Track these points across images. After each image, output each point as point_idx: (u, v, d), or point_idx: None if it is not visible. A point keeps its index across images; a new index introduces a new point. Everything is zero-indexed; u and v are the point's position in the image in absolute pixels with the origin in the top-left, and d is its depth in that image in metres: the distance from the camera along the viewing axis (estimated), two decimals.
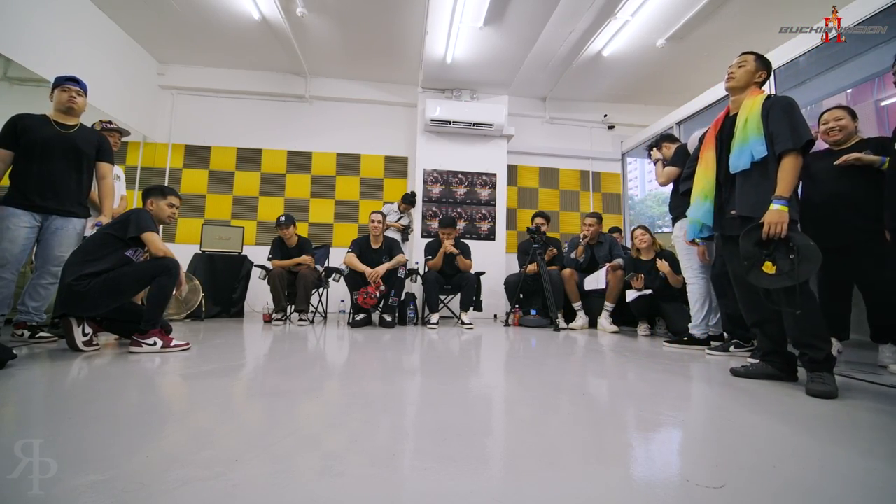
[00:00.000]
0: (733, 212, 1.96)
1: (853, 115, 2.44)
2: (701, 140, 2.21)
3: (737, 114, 2.00)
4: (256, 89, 5.62)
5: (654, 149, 3.12)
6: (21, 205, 2.42)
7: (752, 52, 2.05)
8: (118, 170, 3.25)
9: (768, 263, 1.74)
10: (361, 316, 3.97)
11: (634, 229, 3.79)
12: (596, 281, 4.05)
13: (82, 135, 2.64)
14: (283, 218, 4.22)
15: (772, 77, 3.53)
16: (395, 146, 5.90)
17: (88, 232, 2.71)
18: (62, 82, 2.60)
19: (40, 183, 2.47)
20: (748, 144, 1.86)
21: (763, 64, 2.02)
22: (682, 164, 2.85)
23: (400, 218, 5.11)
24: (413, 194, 5.16)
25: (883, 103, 3.07)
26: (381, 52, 5.09)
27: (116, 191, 3.19)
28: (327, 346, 2.83)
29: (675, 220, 3.01)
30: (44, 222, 2.51)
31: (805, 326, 1.75)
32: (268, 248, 4.40)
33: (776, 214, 1.72)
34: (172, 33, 4.79)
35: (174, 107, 5.52)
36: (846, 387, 1.83)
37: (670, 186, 3.07)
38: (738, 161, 1.90)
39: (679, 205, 2.98)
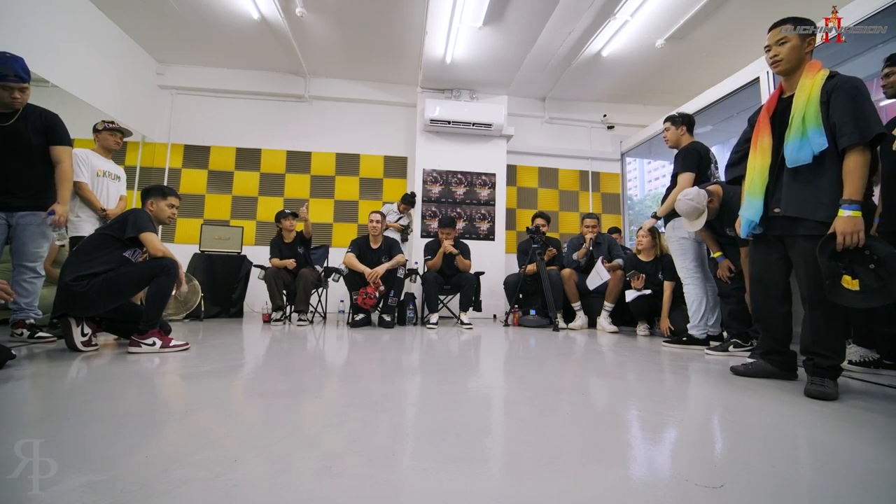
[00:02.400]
0: (777, 210, 1.76)
1: None
2: (751, 122, 1.95)
3: (792, 95, 1.73)
4: (256, 89, 5.62)
5: (672, 124, 3.01)
6: None
7: (788, 20, 1.74)
8: (119, 170, 3.25)
9: (847, 277, 1.53)
10: (361, 316, 3.97)
11: (638, 229, 3.79)
12: (598, 277, 4.04)
13: (25, 123, 2.44)
14: (287, 210, 4.37)
15: (770, 77, 3.53)
16: (395, 146, 5.90)
17: (82, 229, 2.64)
18: (4, 77, 2.31)
19: None
20: (808, 136, 1.61)
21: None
22: (696, 167, 2.82)
23: (399, 218, 5.11)
24: (413, 195, 5.16)
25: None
26: (381, 52, 5.09)
27: (116, 191, 3.18)
28: (326, 347, 2.82)
29: (667, 221, 3.00)
30: (9, 219, 2.46)
31: (823, 338, 1.66)
32: (267, 248, 4.40)
33: (849, 222, 1.50)
34: (171, 33, 4.79)
35: (173, 107, 5.52)
36: (845, 387, 1.83)
37: (668, 186, 3.06)
38: (798, 154, 1.65)
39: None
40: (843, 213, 1.53)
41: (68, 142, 2.63)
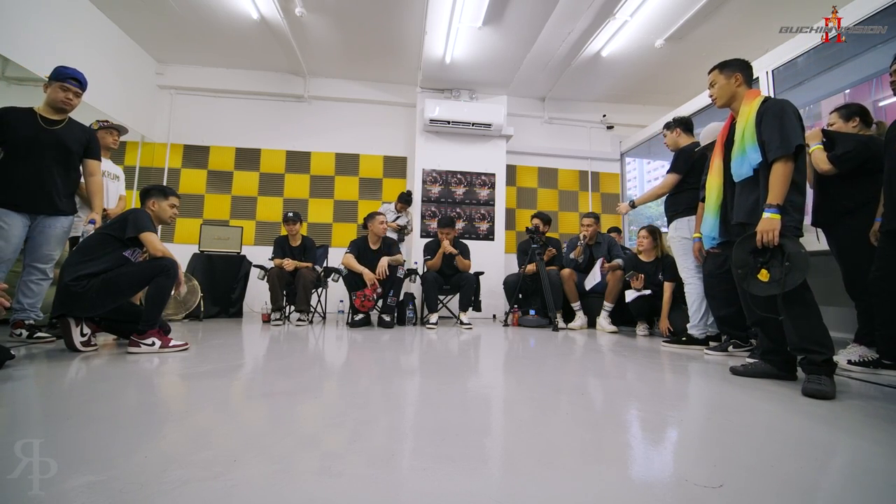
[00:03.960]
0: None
1: None
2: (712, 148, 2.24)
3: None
4: (255, 89, 5.61)
5: (667, 129, 3.13)
6: (10, 206, 2.39)
7: (715, 67, 2.07)
8: (117, 170, 3.25)
9: (763, 271, 1.76)
10: (360, 316, 3.97)
11: (640, 230, 3.79)
12: (593, 279, 4.07)
13: (70, 132, 2.56)
14: (290, 214, 4.28)
15: (770, 77, 3.54)
16: (394, 146, 5.90)
17: (81, 229, 2.69)
18: (65, 78, 2.50)
19: (27, 183, 2.42)
20: (746, 153, 1.88)
21: (732, 68, 2.02)
22: (683, 170, 2.86)
23: (397, 218, 5.10)
24: (409, 193, 5.14)
25: (881, 104, 3.07)
26: (380, 52, 5.08)
27: (115, 191, 3.18)
28: (326, 347, 2.82)
29: (670, 220, 3.01)
30: (32, 221, 2.49)
31: (804, 333, 1.74)
32: (267, 248, 4.41)
33: (767, 223, 1.73)
34: (171, 33, 4.79)
35: (173, 106, 5.51)
36: (845, 386, 1.84)
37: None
38: (740, 170, 1.92)
39: (674, 204, 2.99)
40: (765, 215, 1.76)
41: (100, 157, 2.79)
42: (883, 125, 2.38)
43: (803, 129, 1.83)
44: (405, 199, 5.08)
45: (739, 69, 2.03)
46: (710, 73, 2.10)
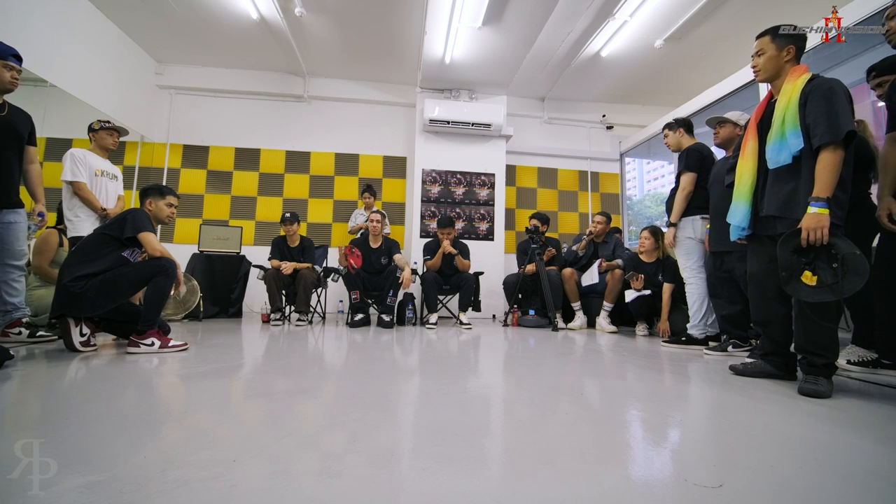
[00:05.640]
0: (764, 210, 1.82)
1: None
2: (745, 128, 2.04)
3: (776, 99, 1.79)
4: (255, 89, 5.61)
5: (670, 129, 3.10)
6: None
7: (766, 32, 1.83)
8: (116, 169, 3.24)
9: (808, 273, 1.58)
10: (360, 316, 3.97)
11: (642, 230, 3.79)
12: (591, 277, 4.07)
13: (17, 116, 2.40)
14: (288, 214, 4.26)
15: None
16: (394, 146, 5.90)
17: (23, 222, 2.53)
18: (7, 56, 2.27)
19: None
20: (786, 138, 1.67)
21: (785, 39, 1.78)
22: (696, 167, 2.84)
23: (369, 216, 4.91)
24: (368, 185, 5.06)
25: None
26: (380, 52, 5.08)
27: (114, 191, 3.17)
28: (326, 347, 2.82)
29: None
30: None
31: (815, 337, 1.67)
32: (266, 248, 4.40)
33: (814, 219, 1.54)
34: (170, 33, 4.78)
35: (172, 106, 5.51)
36: (844, 386, 1.84)
37: (669, 185, 3.06)
38: (778, 156, 1.71)
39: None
40: (810, 209, 1.57)
41: (36, 143, 2.62)
42: (863, 123, 2.36)
43: (853, 114, 1.63)
44: (370, 191, 4.98)
45: (794, 40, 1.78)
46: (757, 38, 1.83)
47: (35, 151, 2.57)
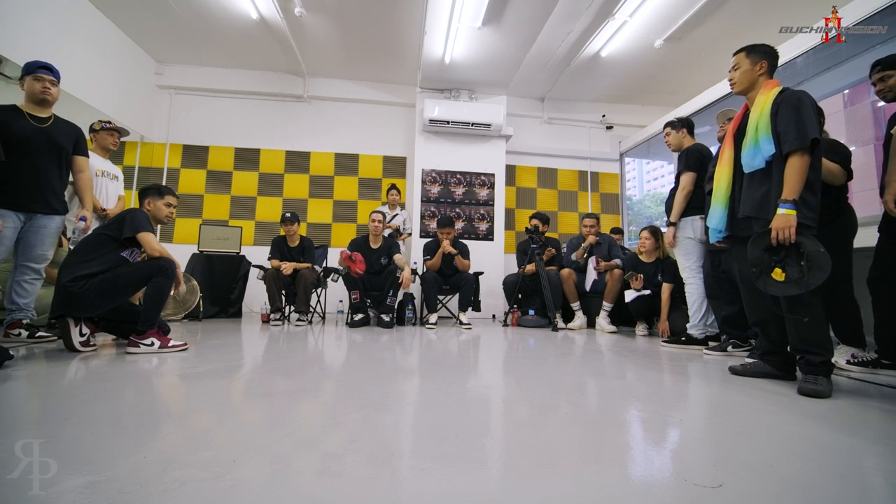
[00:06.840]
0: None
1: None
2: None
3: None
4: (254, 89, 5.61)
5: (672, 129, 3.10)
6: (6, 205, 2.36)
7: (742, 49, 1.99)
8: (116, 170, 3.24)
9: (778, 270, 1.69)
10: (360, 316, 3.97)
11: (642, 230, 3.79)
12: (589, 277, 4.10)
13: (60, 128, 2.55)
14: (288, 214, 4.25)
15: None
16: (394, 146, 5.90)
17: (70, 226, 2.67)
18: (34, 69, 2.46)
19: (25, 182, 2.40)
20: (759, 144, 1.81)
21: (759, 55, 1.94)
22: (697, 167, 2.84)
23: (393, 217, 5.04)
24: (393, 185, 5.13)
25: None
26: (380, 52, 5.08)
27: (114, 191, 3.18)
28: (325, 347, 2.82)
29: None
30: (27, 221, 2.46)
31: (806, 335, 1.73)
32: (266, 248, 4.40)
33: (782, 219, 1.67)
34: (170, 33, 4.78)
35: (172, 106, 5.51)
36: (843, 386, 1.84)
37: (669, 185, 3.06)
38: (752, 160, 1.84)
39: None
40: (779, 210, 1.69)
41: (88, 153, 2.77)
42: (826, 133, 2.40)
43: (822, 124, 1.76)
44: (395, 189, 5.04)
45: (766, 56, 1.94)
46: (735, 54, 2.00)
47: (84, 161, 2.70)
